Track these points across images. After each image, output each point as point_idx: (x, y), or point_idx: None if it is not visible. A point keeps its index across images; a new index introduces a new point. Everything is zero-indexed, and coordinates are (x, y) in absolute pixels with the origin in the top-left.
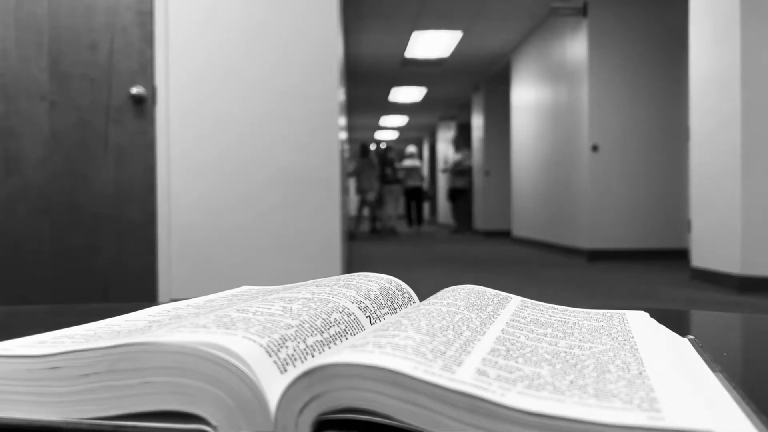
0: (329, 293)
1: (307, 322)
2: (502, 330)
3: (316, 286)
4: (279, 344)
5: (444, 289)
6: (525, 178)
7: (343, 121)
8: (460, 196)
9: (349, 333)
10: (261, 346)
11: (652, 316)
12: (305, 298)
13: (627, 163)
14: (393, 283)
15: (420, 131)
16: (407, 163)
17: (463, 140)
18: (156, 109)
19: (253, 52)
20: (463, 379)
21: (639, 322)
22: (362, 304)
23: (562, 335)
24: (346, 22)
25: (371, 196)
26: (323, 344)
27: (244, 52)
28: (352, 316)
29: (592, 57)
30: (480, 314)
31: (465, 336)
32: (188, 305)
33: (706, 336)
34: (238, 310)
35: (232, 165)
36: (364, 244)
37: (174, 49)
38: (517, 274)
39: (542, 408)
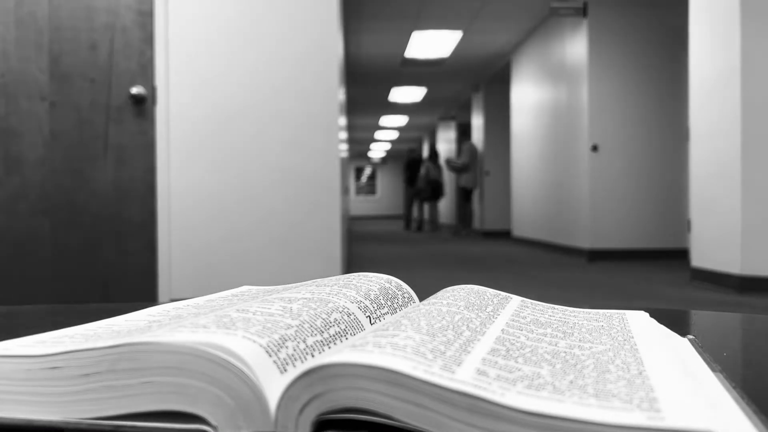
0: (329, 293)
1: (307, 322)
2: (502, 330)
3: (316, 286)
4: (279, 344)
5: (444, 289)
6: (525, 178)
7: (343, 121)
8: (467, 195)
9: (349, 333)
10: (261, 346)
11: (652, 316)
12: (305, 298)
13: (627, 163)
14: (393, 283)
15: (420, 131)
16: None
17: (463, 135)
18: (156, 109)
19: (252, 52)
20: (463, 378)
21: (639, 322)
22: (362, 304)
23: (562, 335)
24: (346, 22)
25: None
26: (323, 344)
27: (244, 52)
28: (352, 316)
29: (592, 57)
30: (480, 314)
31: (465, 336)
32: (188, 305)
33: (706, 336)
34: (238, 310)
35: (232, 165)
36: (365, 245)
37: (174, 49)
38: (517, 274)
39: (542, 408)
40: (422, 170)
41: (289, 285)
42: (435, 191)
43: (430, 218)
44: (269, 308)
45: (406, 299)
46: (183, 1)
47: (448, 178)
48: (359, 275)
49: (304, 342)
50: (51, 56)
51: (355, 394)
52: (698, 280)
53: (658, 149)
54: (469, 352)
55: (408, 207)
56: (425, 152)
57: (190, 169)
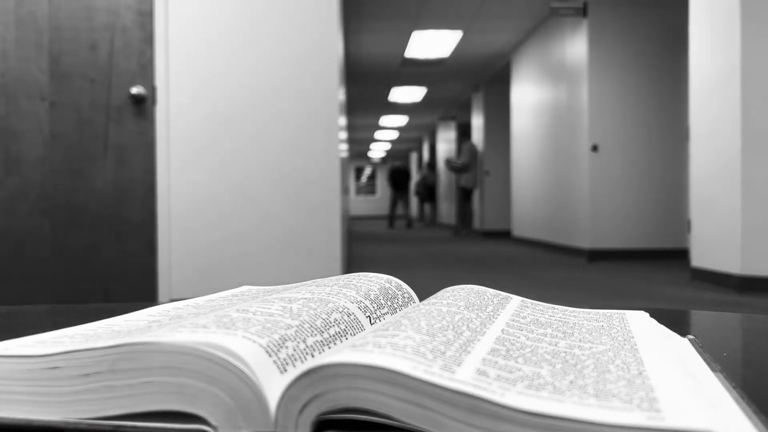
0: (329, 293)
1: (307, 322)
2: (502, 330)
3: (316, 286)
4: (279, 344)
5: (444, 289)
6: (525, 178)
7: (343, 121)
8: (467, 195)
9: (349, 333)
10: (261, 346)
11: (652, 316)
12: (305, 298)
13: (627, 163)
14: (393, 283)
15: (420, 131)
16: None
17: (463, 135)
18: (156, 109)
19: (253, 52)
20: (463, 378)
21: (639, 322)
22: (362, 304)
23: (562, 335)
24: (346, 22)
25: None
26: (323, 344)
27: (244, 52)
28: (352, 316)
29: (592, 57)
30: (480, 314)
31: (465, 336)
32: (188, 305)
33: (706, 336)
34: (238, 310)
35: (232, 165)
36: (365, 245)
37: (174, 49)
38: (517, 274)
39: (542, 408)
40: (419, 177)
41: (289, 285)
42: (430, 194)
43: (428, 216)
44: (269, 308)
45: (406, 299)
46: (183, 1)
47: (448, 178)
48: (359, 275)
49: (304, 342)
50: (51, 56)
51: (355, 394)
52: (698, 280)
53: (658, 149)
54: (469, 352)
55: (392, 208)
56: (412, 163)
57: (190, 169)
